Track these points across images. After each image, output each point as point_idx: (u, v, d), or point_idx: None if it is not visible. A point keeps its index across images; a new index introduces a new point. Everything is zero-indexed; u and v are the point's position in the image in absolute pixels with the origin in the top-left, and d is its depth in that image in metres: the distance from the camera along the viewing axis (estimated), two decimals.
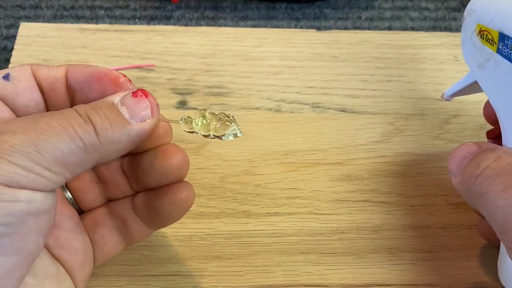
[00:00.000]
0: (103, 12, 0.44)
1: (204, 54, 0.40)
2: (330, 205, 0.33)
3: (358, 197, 0.34)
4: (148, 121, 0.23)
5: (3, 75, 0.24)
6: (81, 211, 0.27)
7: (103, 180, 0.27)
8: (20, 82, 0.24)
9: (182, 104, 0.37)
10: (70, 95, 0.25)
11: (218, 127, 0.25)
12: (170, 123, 0.26)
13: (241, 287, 0.30)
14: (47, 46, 0.39)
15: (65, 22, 0.43)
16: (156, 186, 0.26)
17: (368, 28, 0.44)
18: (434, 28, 0.44)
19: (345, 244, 0.32)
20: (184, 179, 0.26)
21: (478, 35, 0.28)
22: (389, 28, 0.44)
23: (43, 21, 0.43)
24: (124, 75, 0.24)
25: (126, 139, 0.23)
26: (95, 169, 0.27)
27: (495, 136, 0.30)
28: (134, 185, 0.27)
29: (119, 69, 0.39)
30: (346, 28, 0.44)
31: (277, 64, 0.40)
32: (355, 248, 0.32)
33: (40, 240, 0.21)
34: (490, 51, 0.27)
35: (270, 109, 0.37)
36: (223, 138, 0.26)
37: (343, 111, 0.38)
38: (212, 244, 0.32)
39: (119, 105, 0.23)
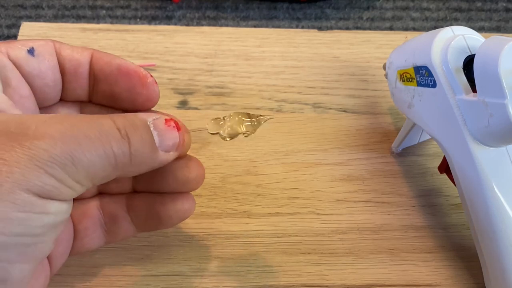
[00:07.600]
0: (104, 12, 0.44)
1: (205, 54, 0.40)
2: (331, 205, 0.33)
3: (359, 198, 0.34)
4: (171, 153, 0.23)
5: (28, 48, 0.22)
6: None
7: None
8: (44, 60, 0.23)
9: (183, 104, 0.37)
10: (91, 82, 0.24)
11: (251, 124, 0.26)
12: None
13: (242, 287, 0.30)
14: None
15: (66, 21, 0.43)
16: (166, 191, 0.26)
17: (369, 28, 0.44)
18: (435, 29, 0.44)
19: (346, 245, 0.32)
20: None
21: (400, 80, 0.32)
22: (391, 28, 0.44)
23: (44, 21, 0.43)
24: (151, 76, 0.24)
25: (149, 163, 0.22)
26: None
27: (446, 167, 0.31)
28: (139, 185, 0.27)
29: None
30: (347, 28, 0.44)
31: (278, 64, 0.40)
32: (356, 248, 0.32)
33: (53, 245, 0.21)
34: (412, 88, 0.31)
35: (271, 109, 0.37)
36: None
37: (344, 111, 0.38)
38: (213, 244, 0.32)
39: (152, 128, 0.22)
